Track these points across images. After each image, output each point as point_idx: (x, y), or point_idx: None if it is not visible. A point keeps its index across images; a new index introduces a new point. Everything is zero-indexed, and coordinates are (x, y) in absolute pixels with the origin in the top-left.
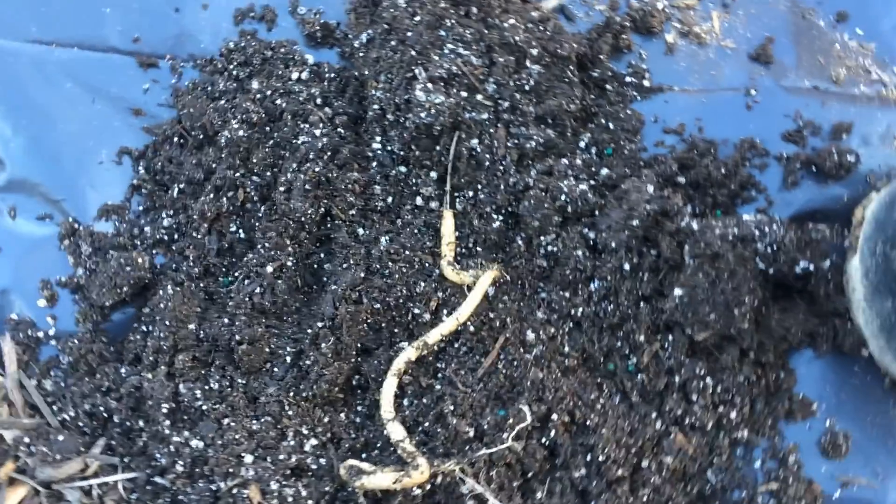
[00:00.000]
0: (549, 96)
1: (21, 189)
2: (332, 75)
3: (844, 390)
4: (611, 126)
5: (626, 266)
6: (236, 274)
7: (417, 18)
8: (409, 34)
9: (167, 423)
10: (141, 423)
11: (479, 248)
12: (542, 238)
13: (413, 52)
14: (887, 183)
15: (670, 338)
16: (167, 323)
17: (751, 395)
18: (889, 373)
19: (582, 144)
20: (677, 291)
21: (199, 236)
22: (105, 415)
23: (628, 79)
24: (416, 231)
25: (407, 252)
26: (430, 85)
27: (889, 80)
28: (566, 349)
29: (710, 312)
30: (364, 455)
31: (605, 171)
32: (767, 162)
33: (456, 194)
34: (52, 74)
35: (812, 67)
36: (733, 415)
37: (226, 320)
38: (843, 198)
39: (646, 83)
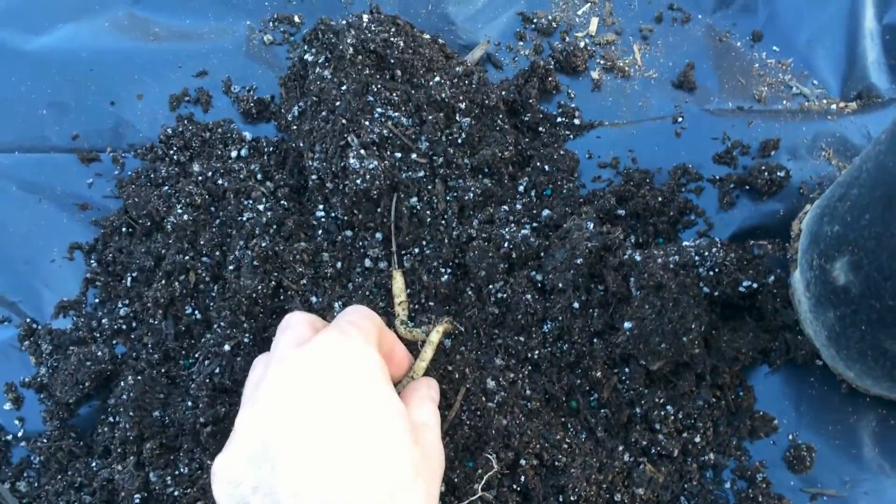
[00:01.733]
0: (482, 146)
1: None
2: (271, 149)
3: (803, 402)
4: (547, 168)
5: (576, 304)
6: (196, 355)
7: (344, 87)
8: (337, 104)
9: None
10: None
11: (431, 303)
12: (490, 286)
13: (343, 121)
14: (819, 194)
15: (627, 370)
16: (131, 413)
17: (712, 417)
18: (844, 379)
19: (521, 189)
20: (627, 324)
21: (155, 322)
22: None
23: (559, 119)
24: (367, 293)
25: None
26: (363, 151)
27: (810, 93)
28: (528, 392)
29: (661, 342)
30: None
31: (546, 213)
32: (702, 185)
33: (403, 252)
34: None
35: (734, 89)
36: (698, 439)
37: (189, 403)
38: (779, 212)
39: (577, 121)
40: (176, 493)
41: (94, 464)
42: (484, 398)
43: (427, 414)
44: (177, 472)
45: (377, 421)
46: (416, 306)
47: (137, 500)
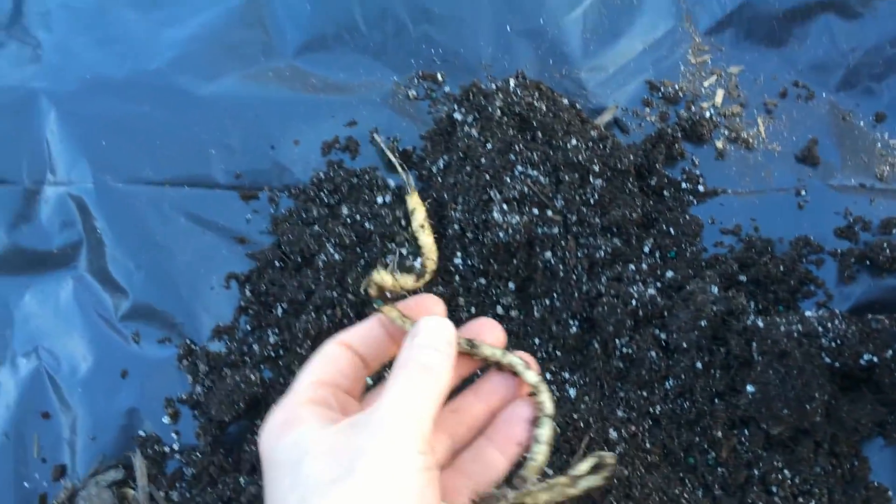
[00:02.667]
0: (612, 207)
1: (142, 316)
2: None
3: None
4: (671, 230)
5: (699, 364)
6: None
7: (489, 146)
8: (482, 160)
9: None
10: None
11: (558, 352)
12: (617, 341)
13: (487, 176)
14: None
15: (746, 432)
16: None
17: (828, 485)
18: None
19: (646, 249)
20: (749, 388)
21: (302, 351)
22: None
23: (684, 185)
24: None
25: None
26: (504, 206)
27: None
28: (648, 445)
29: (783, 408)
30: None
31: (670, 274)
32: (823, 258)
33: (534, 302)
34: (167, 212)
35: (857, 166)
36: None
37: None
38: None
39: (700, 188)
40: None
41: (242, 479)
42: (606, 448)
43: None
44: None
45: None
46: (544, 355)
47: None
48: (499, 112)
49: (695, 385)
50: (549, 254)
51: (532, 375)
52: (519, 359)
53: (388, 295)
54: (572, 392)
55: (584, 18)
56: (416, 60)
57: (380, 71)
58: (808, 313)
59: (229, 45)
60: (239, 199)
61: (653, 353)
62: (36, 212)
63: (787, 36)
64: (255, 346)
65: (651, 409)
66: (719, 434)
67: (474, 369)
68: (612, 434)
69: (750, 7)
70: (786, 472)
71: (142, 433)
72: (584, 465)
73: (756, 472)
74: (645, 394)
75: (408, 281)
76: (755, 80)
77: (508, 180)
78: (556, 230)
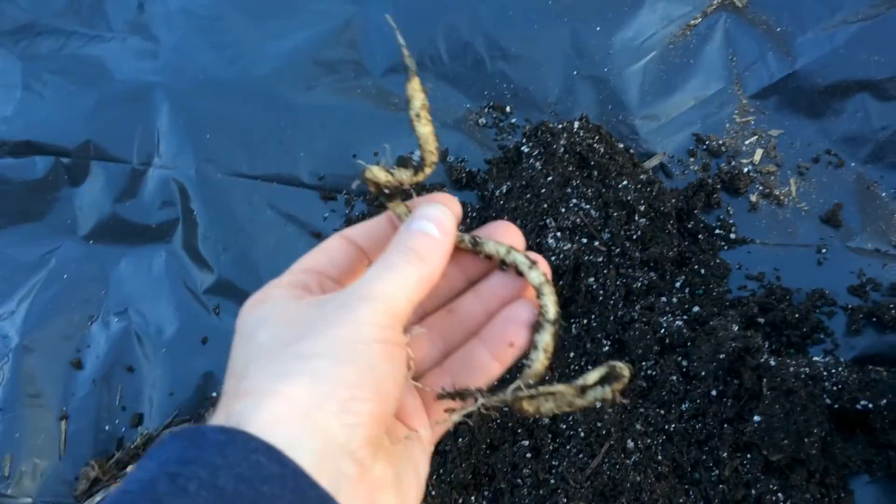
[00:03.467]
0: (652, 244)
1: (224, 292)
2: (474, 214)
3: None
4: (702, 271)
5: (713, 392)
6: None
7: (550, 178)
8: (542, 190)
9: None
10: None
11: (589, 367)
12: (643, 363)
13: (545, 205)
14: None
15: (749, 456)
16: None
17: None
18: None
19: (678, 285)
20: (756, 417)
21: None
22: None
23: (717, 231)
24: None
25: None
26: (558, 233)
27: None
28: (660, 458)
29: (784, 438)
30: None
31: (696, 309)
32: (835, 310)
33: (573, 320)
34: (256, 203)
35: (875, 232)
36: None
37: None
38: None
39: (732, 235)
40: None
41: None
42: (623, 455)
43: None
44: None
45: None
46: (577, 368)
47: None
48: (562, 149)
49: (708, 410)
50: (592, 279)
51: (537, 275)
52: (525, 257)
53: (388, 192)
54: (598, 403)
55: (644, 72)
56: (488, 92)
57: (455, 97)
58: (815, 358)
59: (326, 60)
60: (319, 199)
61: (673, 378)
62: (140, 189)
63: (825, 108)
64: None
65: (666, 426)
66: (724, 455)
67: (484, 271)
68: (630, 444)
69: (795, 79)
70: (780, 494)
71: (214, 394)
72: (594, 374)
73: (753, 492)
74: (662, 412)
75: (404, 175)
76: (792, 144)
77: (563, 211)
78: (600, 259)
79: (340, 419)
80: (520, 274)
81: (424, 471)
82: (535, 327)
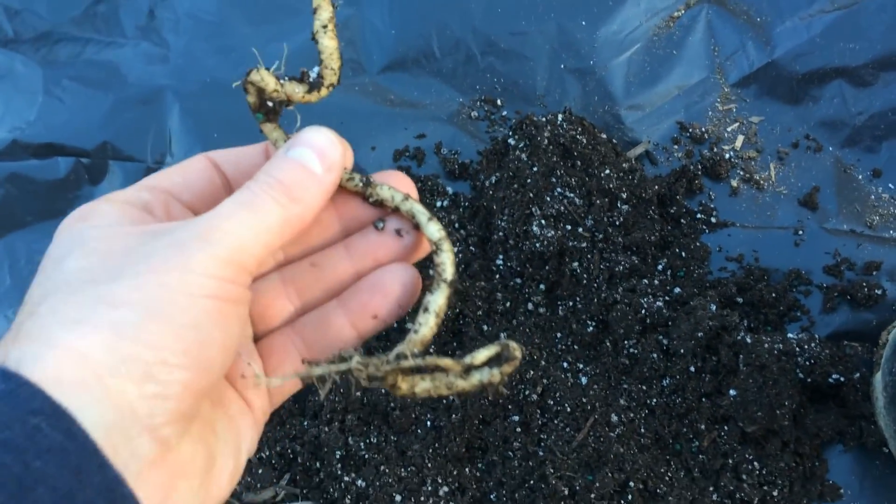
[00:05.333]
0: (634, 230)
1: None
2: (466, 204)
3: (867, 480)
4: (683, 254)
5: (692, 368)
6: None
7: (535, 169)
8: (528, 180)
9: (339, 466)
10: (318, 465)
11: (575, 346)
12: (625, 342)
13: (531, 195)
14: None
15: (726, 428)
16: (341, 390)
17: (790, 478)
18: None
19: (659, 268)
20: (732, 392)
21: None
22: (291, 456)
23: (699, 215)
24: (527, 330)
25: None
26: (543, 221)
27: None
28: (642, 430)
29: (758, 411)
30: None
31: (677, 290)
32: (810, 289)
33: (559, 302)
34: None
35: (850, 214)
36: (776, 493)
37: (383, 391)
38: (872, 322)
39: (713, 219)
40: (366, 456)
41: (305, 423)
42: (607, 428)
43: None
44: (368, 441)
45: None
46: (564, 347)
47: (338, 456)
48: (546, 141)
49: (687, 385)
50: (576, 264)
51: (436, 228)
52: (423, 208)
53: (270, 105)
54: (584, 380)
55: (628, 63)
56: (480, 86)
57: (448, 92)
58: (790, 335)
59: None
60: None
61: (654, 355)
62: None
63: (803, 95)
64: None
65: (648, 401)
66: (703, 427)
67: (372, 219)
68: (614, 418)
69: (774, 67)
70: (755, 463)
71: None
72: (484, 353)
73: (730, 461)
74: (644, 388)
75: (296, 90)
76: (772, 130)
77: (548, 199)
78: (584, 245)
79: (142, 388)
80: (416, 227)
81: (250, 448)
82: (429, 287)
